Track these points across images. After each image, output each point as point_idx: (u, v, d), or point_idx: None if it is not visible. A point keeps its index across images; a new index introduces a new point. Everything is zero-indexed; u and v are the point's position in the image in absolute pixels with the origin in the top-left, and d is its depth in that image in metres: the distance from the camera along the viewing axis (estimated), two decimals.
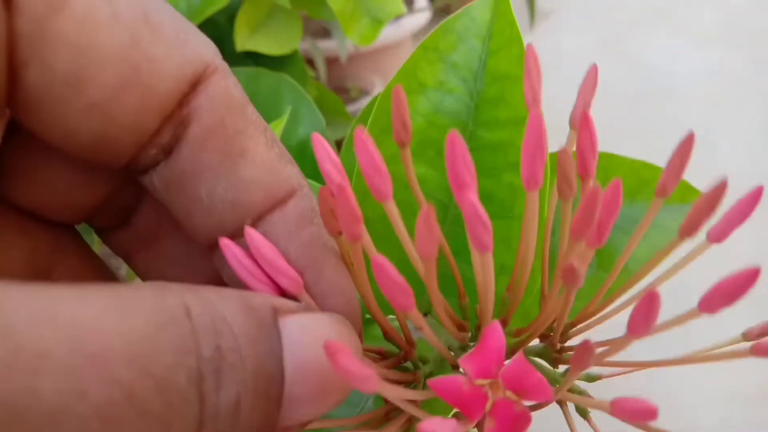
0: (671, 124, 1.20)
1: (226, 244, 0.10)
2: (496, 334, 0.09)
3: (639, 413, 0.09)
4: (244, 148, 0.11)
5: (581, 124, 0.12)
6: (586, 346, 0.09)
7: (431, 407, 0.13)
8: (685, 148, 0.12)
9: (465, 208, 0.09)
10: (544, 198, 0.14)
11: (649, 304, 0.09)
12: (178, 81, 0.10)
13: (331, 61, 0.77)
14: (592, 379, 0.14)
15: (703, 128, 1.17)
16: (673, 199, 0.21)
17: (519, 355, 0.09)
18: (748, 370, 0.71)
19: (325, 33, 0.82)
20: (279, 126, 0.24)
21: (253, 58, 0.37)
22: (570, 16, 1.46)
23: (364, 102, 0.98)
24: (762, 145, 1.10)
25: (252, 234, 0.11)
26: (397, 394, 0.10)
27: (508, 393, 0.09)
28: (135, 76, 0.10)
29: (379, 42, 0.38)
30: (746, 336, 0.11)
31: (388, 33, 0.80)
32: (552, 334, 0.13)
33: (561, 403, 0.12)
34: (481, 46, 0.17)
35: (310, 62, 0.59)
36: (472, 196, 0.09)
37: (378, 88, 0.99)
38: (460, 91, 0.17)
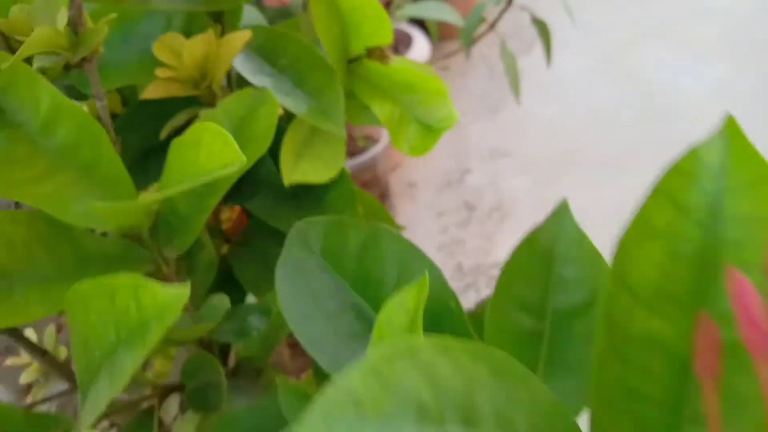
0: (684, 144, 1.20)
1: None
2: None
3: None
4: None
5: None
6: None
7: None
8: None
9: None
10: None
11: None
12: None
13: None
14: None
15: None
16: None
17: None
18: None
19: None
20: (422, 293, 0.18)
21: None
22: (567, 35, 1.46)
23: (373, 151, 0.95)
24: None
25: None
26: None
27: None
28: None
29: None
30: None
31: None
32: None
33: None
34: (715, 186, 0.16)
35: None
36: None
37: (385, 137, 0.95)
38: (695, 235, 0.15)
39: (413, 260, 0.24)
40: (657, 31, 1.62)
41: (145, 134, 0.33)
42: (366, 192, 0.41)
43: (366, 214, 0.37)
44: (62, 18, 0.22)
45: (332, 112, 0.29)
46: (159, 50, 0.29)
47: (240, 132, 0.28)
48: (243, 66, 0.30)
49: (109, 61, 0.30)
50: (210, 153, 0.19)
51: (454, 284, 0.99)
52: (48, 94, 0.24)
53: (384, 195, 1.02)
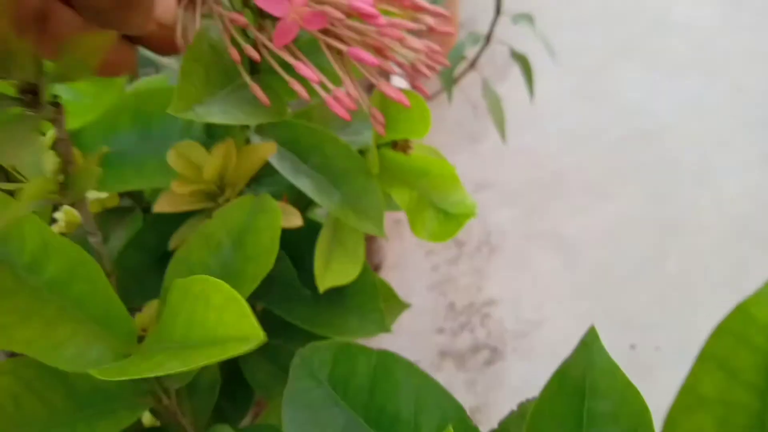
0: (666, 163, 1.22)
1: None
2: None
3: None
4: None
5: None
6: None
7: None
8: None
9: None
10: None
11: None
12: None
13: None
14: None
15: (697, 166, 1.19)
16: None
17: None
18: None
19: None
20: None
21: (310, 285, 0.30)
22: (539, 60, 1.48)
23: None
24: (762, 179, 1.12)
25: None
26: None
27: None
28: None
29: None
30: None
31: None
32: None
33: None
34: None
35: None
36: None
37: None
38: (749, 401, 0.15)
39: (430, 392, 0.22)
40: (625, 50, 1.65)
41: (163, 235, 0.31)
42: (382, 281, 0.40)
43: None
44: (50, 162, 0.20)
45: (374, 214, 0.29)
46: (175, 161, 0.27)
47: (240, 247, 0.26)
48: (280, 165, 0.28)
49: (126, 161, 0.28)
50: (222, 320, 0.18)
51: (448, 324, 0.97)
52: (37, 231, 0.23)
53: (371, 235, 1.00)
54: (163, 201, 0.27)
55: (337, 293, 0.32)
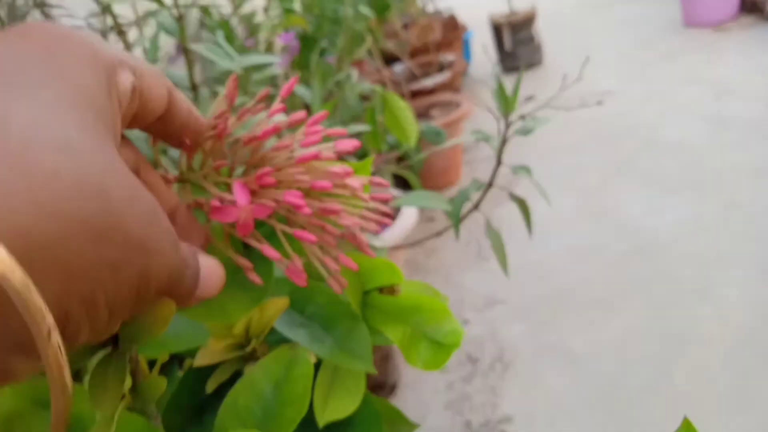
0: (667, 278, 1.27)
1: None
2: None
3: None
4: None
5: None
6: None
7: None
8: None
9: None
10: None
11: None
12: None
13: None
14: None
15: (697, 280, 1.24)
16: None
17: None
18: None
19: None
20: None
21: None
22: (541, 179, 1.58)
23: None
24: (763, 292, 1.16)
25: None
26: None
27: None
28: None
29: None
30: None
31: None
32: None
33: None
34: None
35: None
36: None
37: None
38: None
39: None
40: (622, 169, 1.75)
41: (202, 382, 0.38)
42: (378, 397, 0.45)
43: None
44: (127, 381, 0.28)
45: (362, 353, 0.34)
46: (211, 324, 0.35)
47: (279, 394, 0.33)
48: (279, 320, 0.35)
49: (168, 330, 0.36)
50: None
51: None
52: None
53: (387, 355, 1.05)
54: (202, 356, 0.35)
55: (346, 424, 0.37)
